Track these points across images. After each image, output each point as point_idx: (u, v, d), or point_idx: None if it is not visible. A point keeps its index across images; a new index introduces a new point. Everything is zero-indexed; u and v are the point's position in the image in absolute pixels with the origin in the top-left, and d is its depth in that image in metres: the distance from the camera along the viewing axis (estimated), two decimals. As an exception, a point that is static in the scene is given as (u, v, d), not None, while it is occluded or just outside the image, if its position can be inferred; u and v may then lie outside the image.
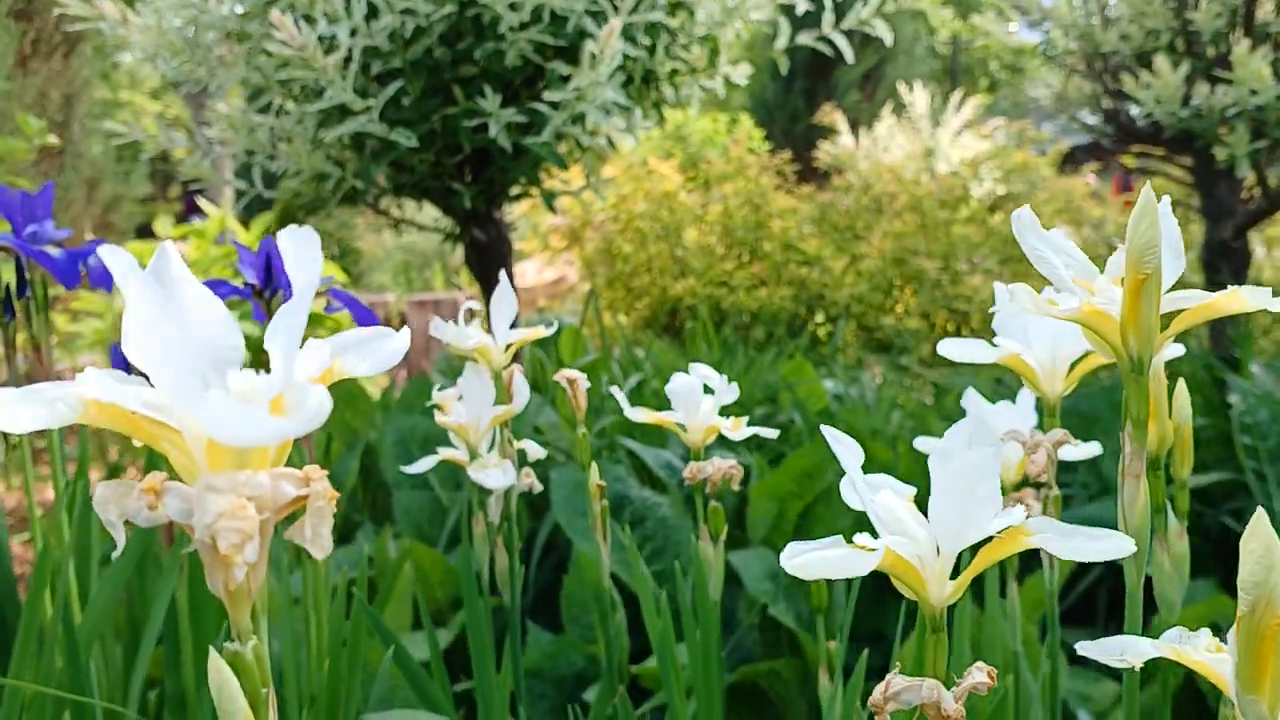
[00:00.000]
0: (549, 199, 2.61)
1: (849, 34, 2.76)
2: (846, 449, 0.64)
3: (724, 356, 2.93)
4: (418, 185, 2.58)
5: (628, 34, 2.50)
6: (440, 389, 1.24)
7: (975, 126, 6.21)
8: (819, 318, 3.72)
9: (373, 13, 2.31)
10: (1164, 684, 1.00)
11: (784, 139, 6.83)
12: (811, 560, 0.59)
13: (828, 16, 2.65)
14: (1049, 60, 3.18)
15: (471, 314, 1.26)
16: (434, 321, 1.26)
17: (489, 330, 1.24)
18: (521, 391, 1.22)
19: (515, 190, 2.69)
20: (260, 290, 1.31)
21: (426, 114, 2.41)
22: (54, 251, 1.33)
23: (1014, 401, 1.23)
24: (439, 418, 1.19)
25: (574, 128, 2.51)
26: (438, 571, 2.21)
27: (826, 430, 0.63)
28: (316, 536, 0.43)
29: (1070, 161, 4.63)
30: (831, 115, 5.71)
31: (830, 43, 2.69)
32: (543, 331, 1.21)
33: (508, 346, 1.21)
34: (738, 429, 1.07)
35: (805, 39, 2.70)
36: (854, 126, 6.09)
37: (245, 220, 4.93)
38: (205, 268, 4.41)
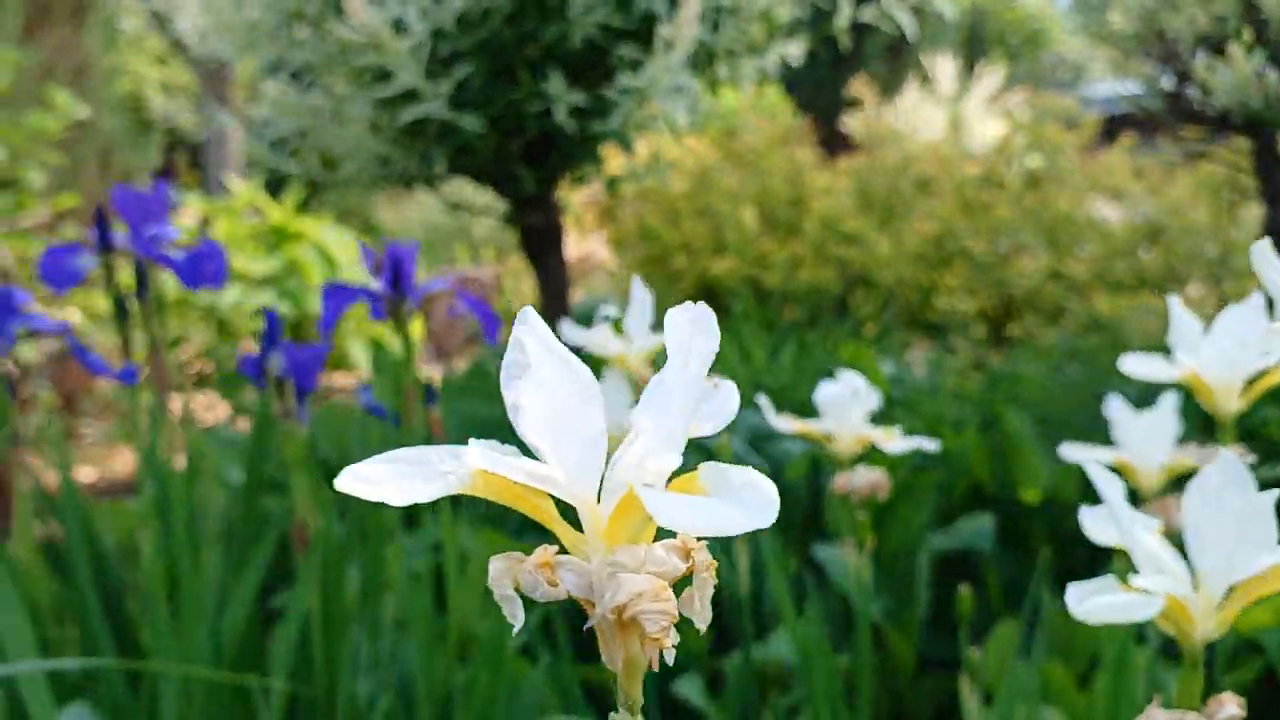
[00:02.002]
0: (612, 184, 2.60)
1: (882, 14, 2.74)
2: (1107, 483, 0.63)
3: (778, 341, 2.92)
4: (478, 169, 2.56)
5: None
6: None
7: (1000, 98, 6.18)
8: (864, 299, 3.70)
9: (441, -6, 2.29)
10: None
11: (809, 108, 6.80)
12: (1099, 606, 0.59)
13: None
14: (1101, 40, 3.15)
15: (606, 319, 1.26)
16: (565, 324, 1.26)
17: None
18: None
19: (578, 174, 2.67)
20: (386, 296, 1.30)
21: (492, 97, 2.40)
22: (176, 254, 1.32)
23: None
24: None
25: (638, 110, 2.49)
26: (509, 559, 2.21)
27: (1090, 467, 0.63)
28: (703, 608, 0.43)
29: (1106, 135, 4.61)
30: (864, 89, 5.67)
31: (891, 19, 2.67)
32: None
33: (646, 351, 1.20)
34: (890, 440, 1.07)
35: (868, 15, 2.68)
36: (881, 96, 6.07)
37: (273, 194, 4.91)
38: (239, 245, 4.39)
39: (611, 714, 0.44)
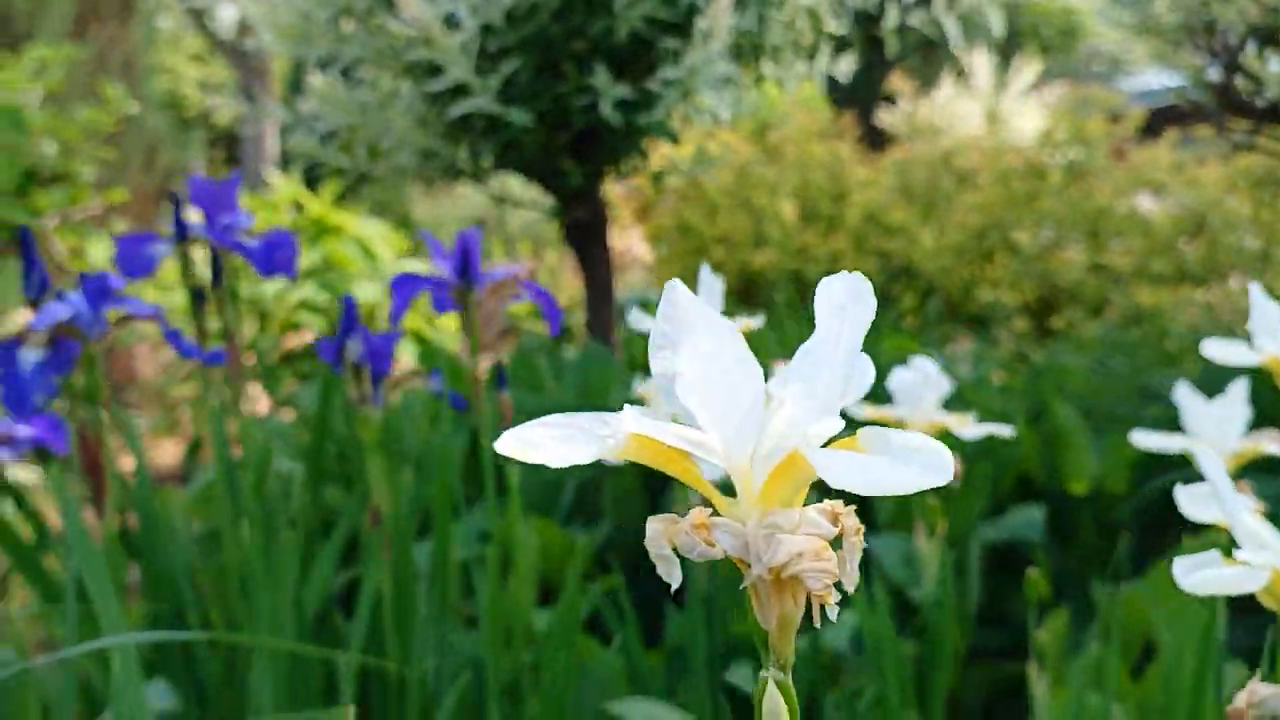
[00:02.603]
0: (657, 178, 2.61)
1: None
2: (1211, 463, 0.64)
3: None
4: (525, 163, 2.58)
5: (738, 5, 2.49)
6: (641, 381, 1.26)
7: (1037, 91, 6.15)
8: (905, 291, 3.70)
9: (491, -11, 2.31)
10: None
11: (843, 103, 6.78)
12: (1207, 579, 0.60)
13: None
14: (1146, 32, 3.13)
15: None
16: (635, 312, 1.27)
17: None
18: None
19: (623, 168, 2.69)
20: (454, 284, 1.32)
21: (539, 92, 2.41)
22: (250, 242, 1.34)
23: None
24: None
25: (683, 103, 2.51)
26: (558, 546, 2.24)
27: (1198, 451, 0.64)
28: (852, 571, 0.45)
29: (1149, 129, 4.58)
30: (903, 83, 5.66)
31: (939, 25, 2.67)
32: (751, 324, 1.22)
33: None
34: (965, 425, 1.08)
35: (915, 19, 2.68)
36: (916, 90, 6.05)
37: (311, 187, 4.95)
38: (281, 239, 4.43)
39: (761, 672, 0.45)
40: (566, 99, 2.43)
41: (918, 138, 4.82)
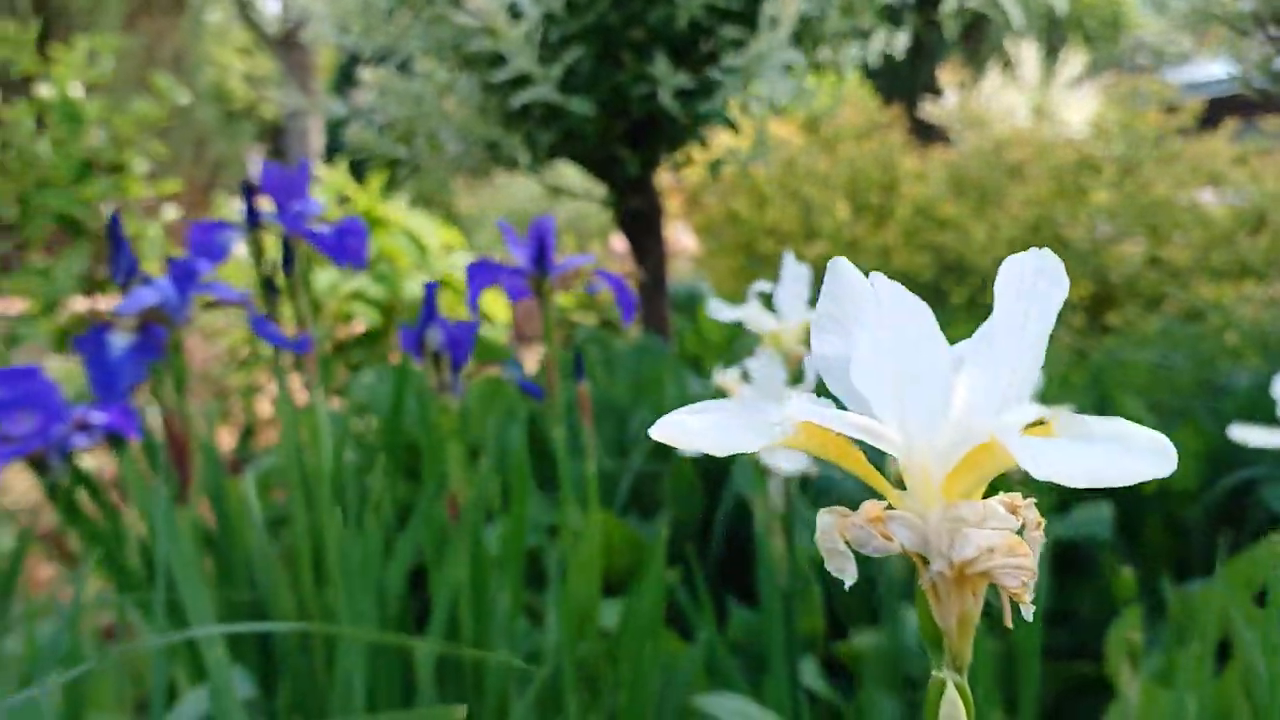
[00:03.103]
0: (714, 167, 2.59)
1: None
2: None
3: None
4: (584, 152, 2.57)
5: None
6: (724, 368, 1.24)
7: (1084, 83, 6.06)
8: (956, 285, 3.65)
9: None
10: None
11: (886, 95, 6.72)
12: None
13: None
14: (1210, 20, 3.06)
15: (758, 295, 1.25)
16: (711, 303, 1.25)
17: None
18: (811, 374, 1.21)
19: (680, 157, 2.67)
20: (529, 273, 1.31)
21: (599, 80, 2.40)
22: (322, 229, 1.34)
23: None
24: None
25: (742, 91, 2.48)
26: (619, 538, 2.23)
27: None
28: (1033, 567, 0.42)
29: (1205, 120, 4.48)
30: (952, 75, 5.59)
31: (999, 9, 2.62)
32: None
33: (799, 327, 1.20)
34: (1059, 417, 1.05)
35: (974, 2, 2.63)
36: (960, 81, 5.98)
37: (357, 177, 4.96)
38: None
39: (934, 671, 0.43)
40: (625, 88, 2.41)
41: (966, 130, 4.76)
